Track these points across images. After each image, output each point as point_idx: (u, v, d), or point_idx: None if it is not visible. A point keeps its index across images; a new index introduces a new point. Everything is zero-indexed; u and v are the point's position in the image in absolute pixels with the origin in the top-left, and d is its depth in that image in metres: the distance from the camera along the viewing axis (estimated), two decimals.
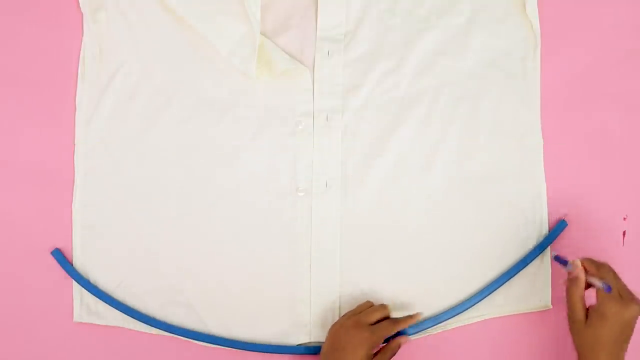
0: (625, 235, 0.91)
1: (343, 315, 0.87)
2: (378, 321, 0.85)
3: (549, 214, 0.91)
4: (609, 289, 0.79)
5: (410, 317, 0.86)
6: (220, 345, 0.90)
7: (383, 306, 0.87)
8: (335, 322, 0.86)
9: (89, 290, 0.91)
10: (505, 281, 0.89)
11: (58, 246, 0.92)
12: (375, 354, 0.84)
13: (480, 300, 0.89)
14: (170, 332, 0.90)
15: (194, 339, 0.90)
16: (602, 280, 0.80)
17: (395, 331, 0.85)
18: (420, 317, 0.87)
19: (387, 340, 0.86)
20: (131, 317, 0.90)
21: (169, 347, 0.91)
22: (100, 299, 0.90)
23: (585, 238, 0.91)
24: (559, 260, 0.84)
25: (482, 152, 0.91)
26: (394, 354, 0.85)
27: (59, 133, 0.94)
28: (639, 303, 0.78)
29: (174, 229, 0.91)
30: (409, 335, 0.88)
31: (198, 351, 0.90)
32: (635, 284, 0.90)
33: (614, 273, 0.81)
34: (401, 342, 0.86)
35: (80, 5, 0.94)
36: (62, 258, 0.91)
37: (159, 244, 0.91)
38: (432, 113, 0.92)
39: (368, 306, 0.87)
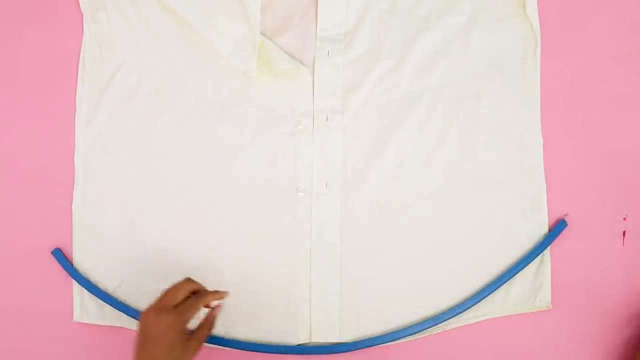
0: (625, 235, 0.91)
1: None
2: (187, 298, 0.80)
3: (549, 214, 0.91)
4: None
5: (216, 292, 0.81)
6: (220, 345, 0.90)
7: (187, 281, 0.80)
8: (145, 309, 0.78)
9: (89, 290, 0.91)
10: (505, 281, 0.89)
11: (58, 246, 0.92)
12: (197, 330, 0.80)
13: (480, 300, 0.89)
14: None
15: None
16: None
17: (202, 305, 0.80)
18: (226, 295, 0.82)
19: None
20: (131, 317, 0.90)
21: None
22: (100, 299, 0.91)
23: (585, 238, 0.91)
24: None
25: (482, 152, 0.91)
26: (212, 326, 0.81)
27: (59, 133, 0.94)
28: None
29: (173, 228, 0.91)
30: (410, 335, 0.89)
31: None
32: (635, 285, 0.91)
33: None
34: (215, 313, 0.81)
35: (80, 5, 0.94)
36: (62, 258, 0.91)
37: (159, 244, 0.91)
38: (432, 113, 0.92)
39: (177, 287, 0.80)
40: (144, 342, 0.76)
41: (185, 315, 0.78)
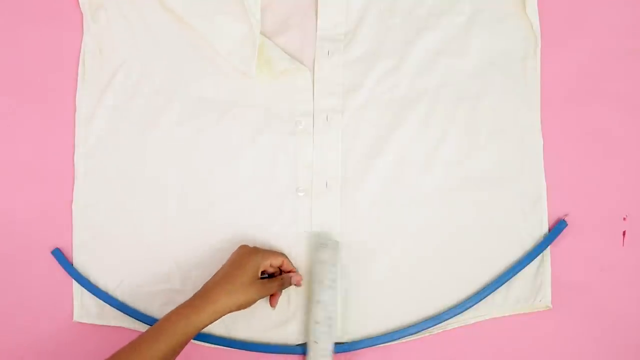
0: (625, 235, 0.91)
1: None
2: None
3: (549, 214, 0.91)
4: None
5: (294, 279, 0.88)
6: (220, 345, 0.90)
7: (285, 257, 0.88)
8: (250, 248, 0.87)
9: (89, 290, 0.91)
10: (505, 281, 0.89)
11: (58, 246, 0.92)
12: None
13: (480, 300, 0.89)
14: None
15: (194, 339, 0.90)
16: None
17: (279, 287, 0.87)
18: (300, 280, 0.88)
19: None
20: (131, 317, 0.90)
21: None
22: (100, 299, 0.91)
23: (585, 238, 0.91)
24: None
25: (482, 152, 0.91)
26: (282, 287, 0.87)
27: (59, 133, 0.94)
28: None
29: (173, 228, 0.91)
30: (410, 335, 0.89)
31: (198, 351, 0.90)
32: (635, 285, 0.91)
33: None
34: (291, 279, 0.87)
35: (80, 5, 0.94)
36: (62, 258, 0.91)
37: (159, 244, 0.91)
38: (432, 113, 0.92)
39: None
40: (231, 262, 0.85)
41: (268, 285, 0.85)
